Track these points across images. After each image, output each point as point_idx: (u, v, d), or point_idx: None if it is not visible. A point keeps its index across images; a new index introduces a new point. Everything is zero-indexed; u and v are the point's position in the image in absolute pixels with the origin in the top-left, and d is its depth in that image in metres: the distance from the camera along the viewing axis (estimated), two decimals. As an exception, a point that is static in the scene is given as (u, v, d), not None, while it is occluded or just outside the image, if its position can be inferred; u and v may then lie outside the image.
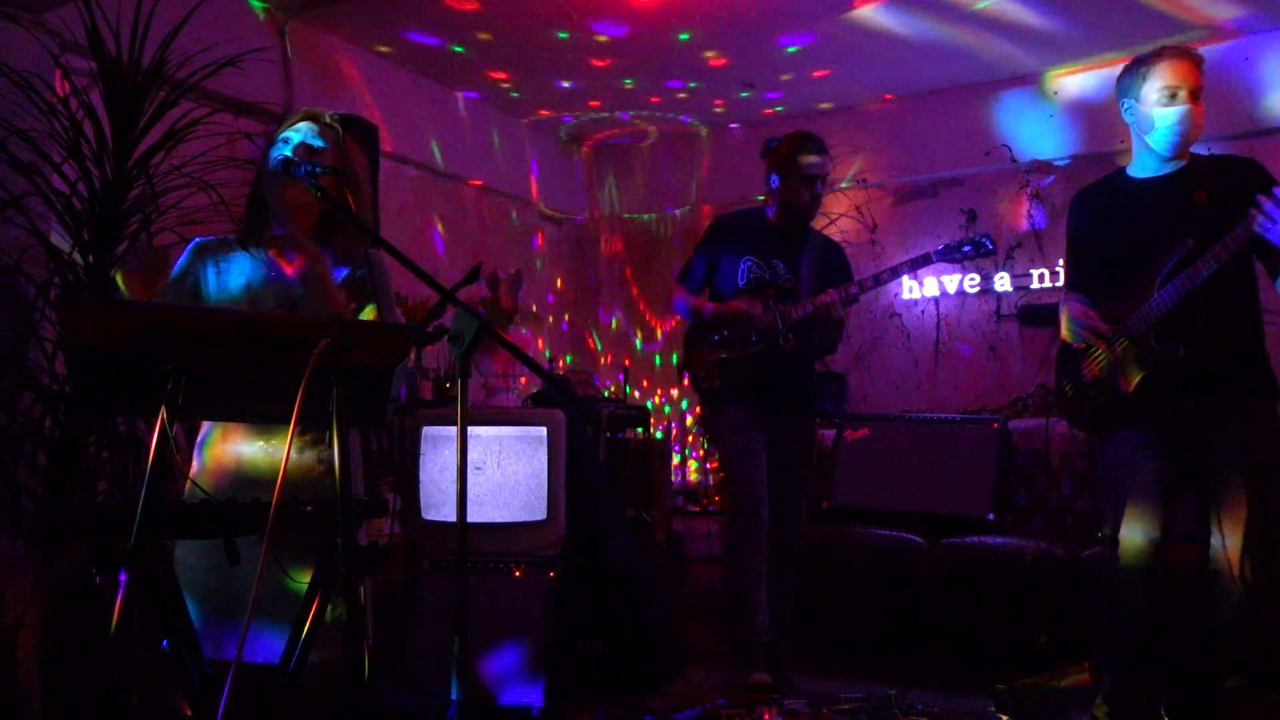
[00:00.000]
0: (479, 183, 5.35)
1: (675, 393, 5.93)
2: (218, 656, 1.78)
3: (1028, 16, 4.17)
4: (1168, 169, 2.63)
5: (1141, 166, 2.69)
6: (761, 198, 3.60)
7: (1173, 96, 2.54)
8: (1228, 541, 2.49)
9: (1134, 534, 2.58)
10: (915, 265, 3.33)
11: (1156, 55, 2.59)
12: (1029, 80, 4.84)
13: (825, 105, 5.30)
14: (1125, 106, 2.66)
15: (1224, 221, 2.43)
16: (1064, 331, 2.74)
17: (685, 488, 5.53)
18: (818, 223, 3.61)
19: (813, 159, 3.33)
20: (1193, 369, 2.51)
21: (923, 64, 4.71)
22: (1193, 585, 2.59)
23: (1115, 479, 2.66)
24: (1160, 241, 2.53)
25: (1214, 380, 2.53)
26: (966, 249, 3.24)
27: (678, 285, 3.54)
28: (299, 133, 2.04)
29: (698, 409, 3.48)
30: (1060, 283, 4.61)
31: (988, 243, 3.25)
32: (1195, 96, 2.54)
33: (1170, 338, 2.50)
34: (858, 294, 3.33)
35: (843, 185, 5.35)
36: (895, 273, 3.34)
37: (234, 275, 2.02)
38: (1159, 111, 2.56)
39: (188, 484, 1.87)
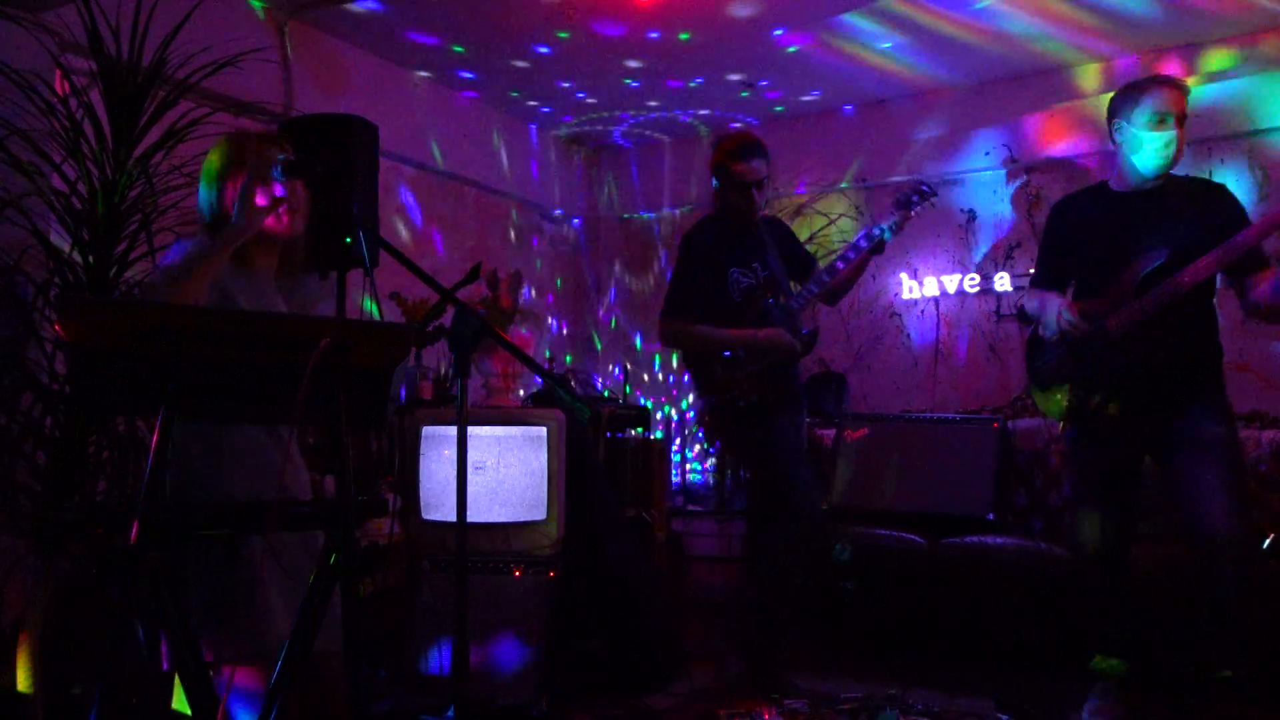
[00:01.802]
0: (479, 183, 5.35)
1: (675, 392, 5.93)
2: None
3: (1029, 14, 4.18)
4: (1148, 186, 2.83)
5: (1123, 182, 2.88)
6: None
7: (1161, 121, 2.73)
8: (1215, 515, 2.61)
9: (1089, 529, 2.81)
10: (873, 246, 3.34)
11: (1149, 82, 2.79)
12: (1030, 79, 4.84)
13: (825, 105, 5.30)
14: (1115, 126, 2.85)
15: (1195, 238, 2.66)
16: (1041, 322, 2.91)
17: (685, 488, 5.52)
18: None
19: (750, 164, 3.31)
20: (1160, 372, 2.72)
21: (923, 63, 4.71)
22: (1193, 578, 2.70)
23: (1073, 478, 2.84)
24: (1137, 248, 2.75)
25: (1175, 382, 2.73)
26: (914, 199, 3.34)
27: (672, 320, 3.39)
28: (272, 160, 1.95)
29: (707, 417, 3.49)
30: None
31: (924, 186, 3.39)
32: (1180, 123, 2.74)
33: (1146, 341, 2.71)
34: (843, 269, 3.37)
35: (843, 185, 5.36)
36: (857, 249, 3.34)
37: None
38: (1147, 134, 2.76)
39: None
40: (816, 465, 4.52)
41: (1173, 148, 2.74)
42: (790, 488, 3.33)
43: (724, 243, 3.42)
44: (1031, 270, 4.84)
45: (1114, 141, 2.85)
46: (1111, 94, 2.90)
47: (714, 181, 3.42)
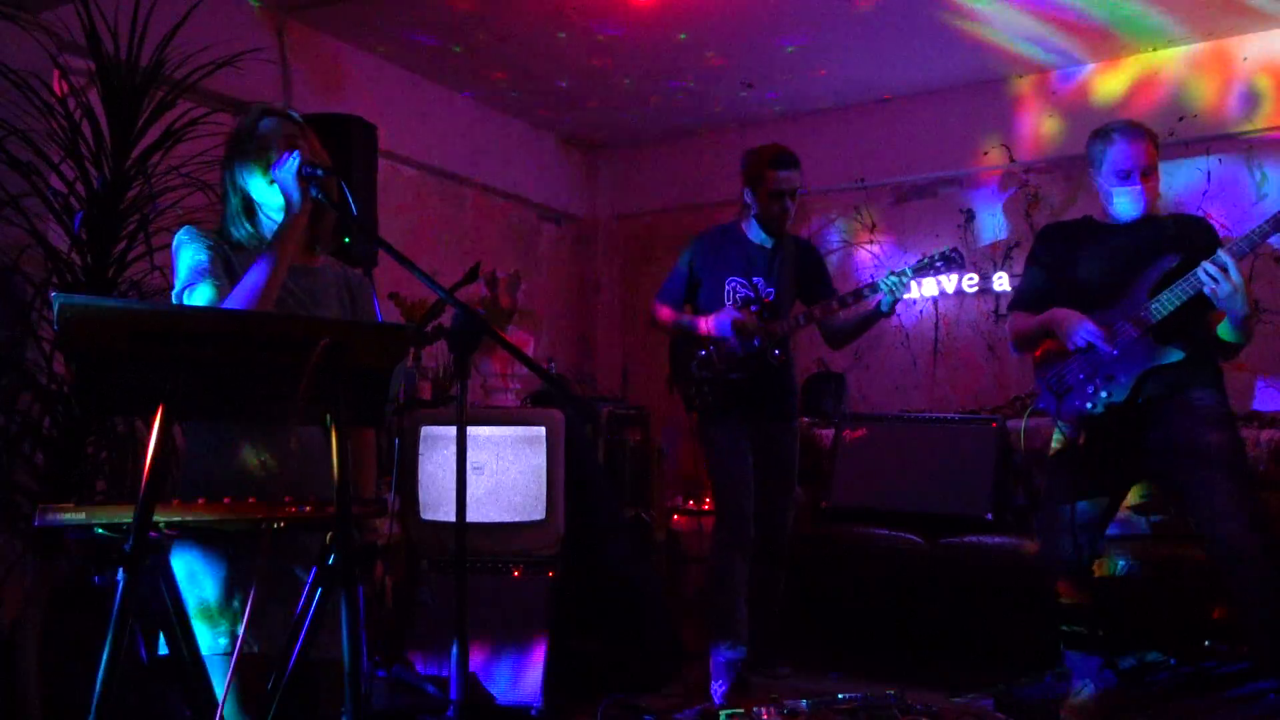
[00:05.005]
0: (479, 183, 5.35)
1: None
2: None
3: (1030, 14, 4.18)
4: (1135, 219, 2.82)
5: (1108, 219, 2.89)
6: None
7: (1126, 177, 2.76)
8: (1235, 533, 2.57)
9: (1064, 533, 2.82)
10: (876, 306, 3.24)
11: (1114, 134, 2.79)
12: (1029, 79, 4.84)
13: (825, 105, 5.30)
14: (1090, 173, 2.87)
15: (1201, 245, 2.64)
16: (1064, 336, 2.79)
17: (684, 478, 5.50)
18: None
19: (781, 174, 3.34)
20: (1175, 375, 2.68)
21: (922, 63, 4.71)
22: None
23: (1062, 480, 2.85)
24: (1146, 256, 2.73)
25: (1174, 385, 2.70)
26: (939, 265, 3.24)
27: (658, 302, 3.54)
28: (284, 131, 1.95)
29: (693, 415, 3.50)
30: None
31: (956, 255, 3.25)
32: (1147, 175, 2.76)
33: (1164, 341, 2.68)
34: (839, 308, 3.34)
35: (843, 185, 5.36)
36: (859, 296, 3.28)
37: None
38: (1115, 189, 2.78)
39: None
40: (817, 466, 4.53)
41: (1140, 201, 2.76)
42: (721, 491, 3.36)
43: (731, 251, 3.43)
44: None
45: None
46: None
47: (747, 190, 3.42)
